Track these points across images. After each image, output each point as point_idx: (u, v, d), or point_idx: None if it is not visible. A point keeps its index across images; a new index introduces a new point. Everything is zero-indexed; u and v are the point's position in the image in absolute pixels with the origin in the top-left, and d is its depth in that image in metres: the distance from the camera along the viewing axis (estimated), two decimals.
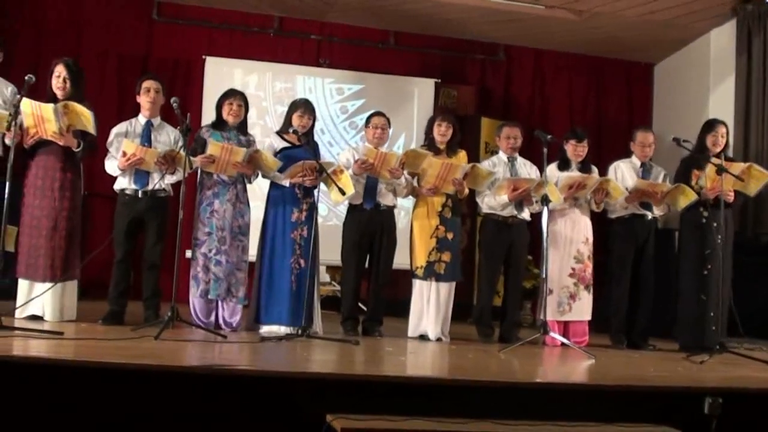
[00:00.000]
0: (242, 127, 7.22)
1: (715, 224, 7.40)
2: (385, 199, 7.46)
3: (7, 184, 5.62)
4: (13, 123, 5.82)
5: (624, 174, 7.93)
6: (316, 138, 7.64)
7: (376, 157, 7.18)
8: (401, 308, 7.77)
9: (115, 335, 5.58)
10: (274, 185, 7.25)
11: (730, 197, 7.46)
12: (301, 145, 7.14)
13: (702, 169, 7.46)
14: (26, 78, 5.74)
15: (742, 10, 10.05)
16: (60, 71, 6.68)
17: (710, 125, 7.81)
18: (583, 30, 11.06)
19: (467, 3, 10.38)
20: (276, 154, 7.13)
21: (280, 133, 7.38)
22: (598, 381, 5.14)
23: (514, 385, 4.63)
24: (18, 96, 6.06)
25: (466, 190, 7.51)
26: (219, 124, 7.16)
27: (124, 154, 6.61)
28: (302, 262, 7.04)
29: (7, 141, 6.37)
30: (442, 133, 7.56)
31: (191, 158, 6.56)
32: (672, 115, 11.51)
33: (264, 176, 7.21)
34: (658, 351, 7.62)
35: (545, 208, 6.95)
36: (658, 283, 7.95)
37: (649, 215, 7.81)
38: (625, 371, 5.80)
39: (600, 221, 8.10)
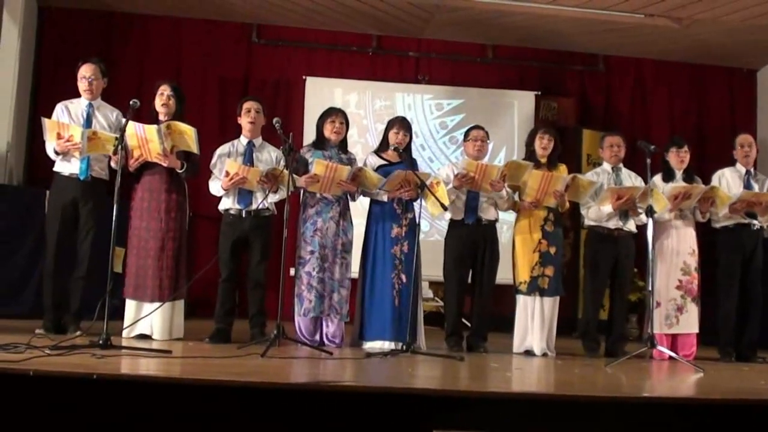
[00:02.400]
0: (343, 145, 7.27)
1: None
2: (487, 213, 7.40)
3: (114, 206, 5.73)
4: (120, 146, 5.93)
5: (729, 182, 7.80)
6: (416, 154, 7.65)
7: (476, 170, 7.14)
8: (505, 323, 7.72)
9: (222, 353, 5.62)
10: (373, 201, 7.28)
11: None
12: (399, 161, 7.15)
13: None
14: (131, 103, 5.84)
15: None
16: (164, 90, 6.84)
17: None
18: (683, 37, 10.90)
19: (565, 14, 10.32)
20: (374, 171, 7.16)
21: (378, 152, 7.42)
22: (708, 395, 5.02)
23: (622, 399, 4.55)
24: (123, 119, 6.18)
25: (567, 203, 7.44)
26: (320, 143, 7.21)
27: (227, 173, 6.70)
28: (404, 277, 7.05)
29: (113, 164, 6.55)
30: (544, 146, 7.49)
31: (295, 176, 6.62)
32: None
33: (365, 194, 7.25)
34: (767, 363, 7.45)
35: (650, 220, 6.83)
36: (766, 294, 7.77)
37: (756, 224, 7.65)
38: (735, 384, 5.66)
39: (705, 232, 7.95)
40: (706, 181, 7.81)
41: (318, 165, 6.77)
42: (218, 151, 7.04)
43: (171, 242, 6.77)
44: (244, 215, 6.89)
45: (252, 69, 11.33)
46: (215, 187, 6.91)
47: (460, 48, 11.78)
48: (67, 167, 6.71)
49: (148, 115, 6.81)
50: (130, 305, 6.74)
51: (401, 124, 7.34)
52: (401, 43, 11.65)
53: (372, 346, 6.96)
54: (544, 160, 7.50)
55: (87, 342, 5.40)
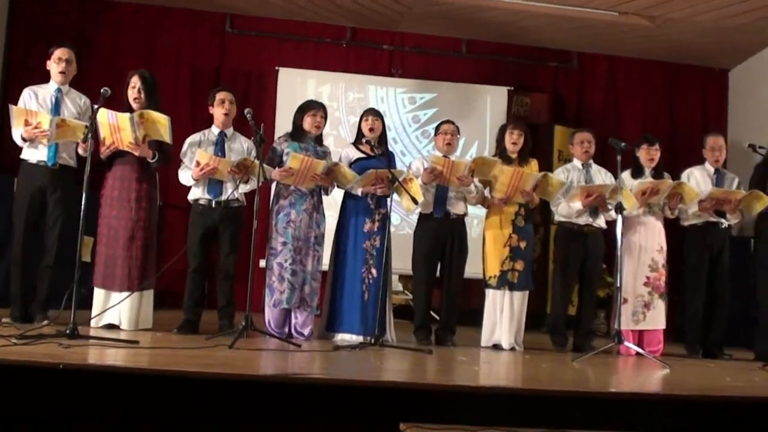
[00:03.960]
0: (318, 138, 7.27)
1: None
2: (456, 207, 7.43)
3: (84, 195, 5.69)
4: (90, 134, 5.89)
5: (698, 180, 7.85)
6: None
7: (444, 165, 7.16)
8: (474, 317, 7.74)
9: (189, 344, 5.61)
10: (348, 195, 7.28)
11: None
12: (375, 155, 7.16)
13: None
14: (102, 91, 5.81)
15: None
16: (135, 82, 6.79)
17: None
18: (656, 36, 10.96)
19: (540, 10, 10.34)
20: (351, 164, 7.17)
21: (356, 144, 7.42)
22: (673, 391, 5.05)
23: (589, 394, 4.57)
24: (95, 106, 6.13)
25: (537, 200, 7.46)
26: (296, 134, 7.19)
27: (198, 164, 6.68)
28: (374, 272, 7.06)
29: (81, 151, 6.51)
30: (514, 141, 7.51)
31: (267, 167, 6.62)
32: (747, 121, 11.39)
33: (338, 186, 7.24)
34: (733, 360, 7.51)
35: (619, 217, 6.87)
36: (733, 292, 7.85)
37: (724, 223, 7.72)
38: (701, 381, 5.69)
39: (674, 229, 8.01)
40: (676, 178, 7.84)
41: (293, 159, 6.75)
42: (189, 140, 7.01)
43: (141, 232, 6.73)
44: (213, 205, 6.87)
45: (225, 59, 11.27)
46: (185, 176, 6.89)
47: (435, 42, 11.77)
48: (35, 154, 6.64)
49: (120, 104, 6.76)
50: (98, 294, 6.70)
51: (372, 112, 7.41)
52: (375, 36, 11.62)
53: (341, 338, 6.97)
54: (514, 156, 7.52)
55: (54, 331, 5.38)
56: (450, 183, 7.26)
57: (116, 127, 6.40)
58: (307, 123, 7.15)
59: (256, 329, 6.19)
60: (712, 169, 7.88)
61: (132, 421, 3.97)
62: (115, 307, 6.58)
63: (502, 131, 7.71)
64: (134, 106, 6.75)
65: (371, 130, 7.24)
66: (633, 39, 11.19)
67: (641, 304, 7.56)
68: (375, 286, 6.98)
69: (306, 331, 6.95)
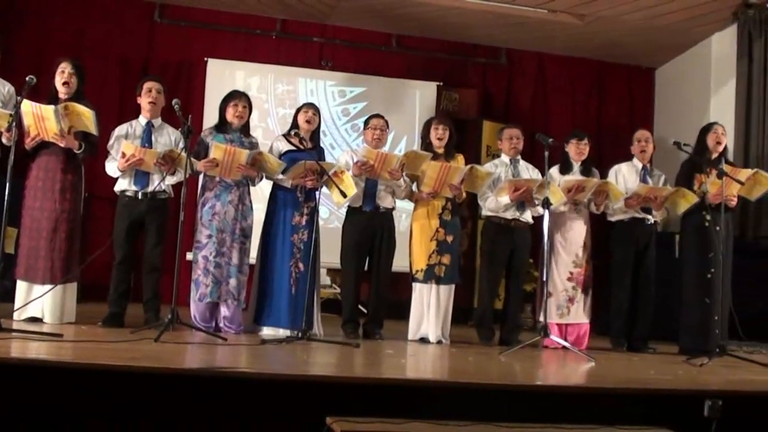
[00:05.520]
0: (245, 129, 7.21)
1: (717, 228, 7.37)
2: (384, 201, 7.44)
3: (7, 185, 5.59)
4: (14, 123, 5.79)
5: (625, 177, 7.95)
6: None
7: (376, 159, 7.16)
8: (401, 311, 7.77)
9: (114, 337, 5.56)
10: (276, 188, 7.25)
11: (734, 202, 7.47)
12: (305, 149, 7.12)
13: (704, 173, 7.48)
14: (27, 79, 5.71)
15: (743, 15, 10.12)
16: (65, 67, 6.69)
17: (708, 126, 7.83)
18: (585, 34, 11.08)
19: (470, 7, 10.38)
20: (280, 156, 7.13)
21: (286, 136, 7.38)
22: (598, 383, 5.12)
23: (515, 387, 4.62)
24: (18, 98, 6.02)
25: (464, 194, 7.50)
26: (221, 126, 7.14)
27: (124, 155, 6.59)
28: (301, 266, 7.03)
29: (4, 140, 6.36)
30: (439, 136, 7.55)
31: (193, 160, 6.57)
32: (673, 119, 11.55)
33: (267, 177, 7.19)
34: (658, 354, 7.61)
35: (546, 212, 6.93)
36: (658, 286, 7.96)
37: (650, 219, 7.83)
38: (625, 374, 5.79)
39: (601, 224, 8.10)
40: (604, 175, 7.95)
41: (216, 149, 6.70)
42: (116, 132, 6.91)
43: (65, 223, 6.63)
44: (140, 197, 6.80)
45: (153, 49, 11.12)
46: (111, 167, 6.79)
47: (365, 36, 11.75)
48: None
49: (46, 93, 6.65)
50: (21, 287, 6.59)
51: (310, 105, 7.43)
52: (306, 28, 11.55)
53: (267, 332, 6.94)
54: (441, 151, 7.56)
55: None
56: (380, 177, 7.26)
57: (40, 117, 6.28)
58: (229, 113, 7.10)
59: (183, 322, 6.15)
60: (639, 166, 7.98)
61: (55, 416, 3.92)
62: (37, 300, 6.49)
63: (426, 126, 7.75)
64: (62, 90, 6.66)
65: (308, 122, 7.23)
66: (562, 36, 11.30)
67: (565, 298, 7.66)
68: (302, 279, 6.97)
69: (234, 325, 6.91)
